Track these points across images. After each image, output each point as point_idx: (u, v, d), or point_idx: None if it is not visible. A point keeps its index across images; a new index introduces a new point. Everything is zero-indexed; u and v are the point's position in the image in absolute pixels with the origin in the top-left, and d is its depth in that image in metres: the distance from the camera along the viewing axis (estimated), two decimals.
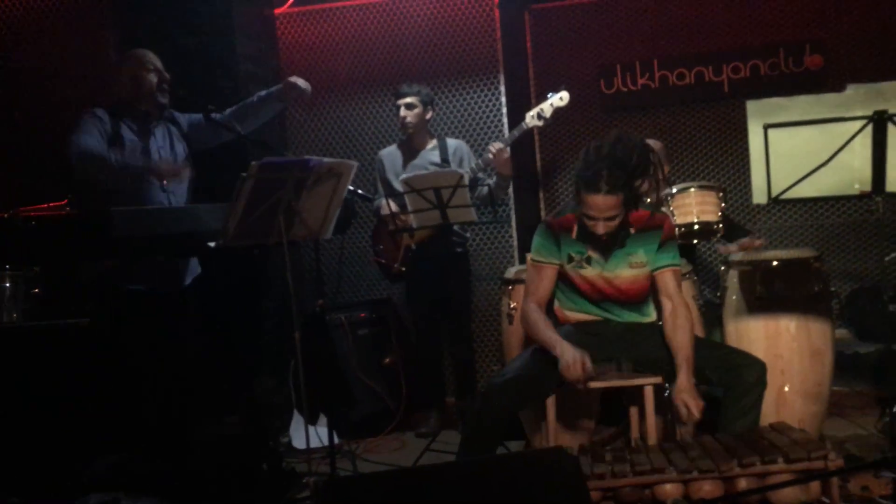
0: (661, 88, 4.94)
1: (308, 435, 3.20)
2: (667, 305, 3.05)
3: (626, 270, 3.07)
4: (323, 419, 4.12)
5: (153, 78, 3.62)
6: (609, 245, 3.03)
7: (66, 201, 3.45)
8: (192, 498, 2.92)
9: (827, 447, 2.57)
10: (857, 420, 3.83)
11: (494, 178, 4.21)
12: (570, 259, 3.09)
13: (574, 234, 3.06)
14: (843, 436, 3.62)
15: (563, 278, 3.17)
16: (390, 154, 4.47)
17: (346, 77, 5.17)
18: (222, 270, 3.50)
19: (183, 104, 3.85)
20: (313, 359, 3.32)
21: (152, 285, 3.35)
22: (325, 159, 3.12)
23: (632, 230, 3.05)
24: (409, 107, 4.31)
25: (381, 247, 4.41)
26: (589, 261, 3.07)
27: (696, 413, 2.80)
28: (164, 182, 3.48)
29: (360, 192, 3.73)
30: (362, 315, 4.65)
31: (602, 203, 2.84)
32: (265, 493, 3.25)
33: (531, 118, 4.11)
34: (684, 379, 2.86)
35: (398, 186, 4.07)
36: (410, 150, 4.43)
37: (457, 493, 2.15)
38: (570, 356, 2.85)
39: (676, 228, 3.50)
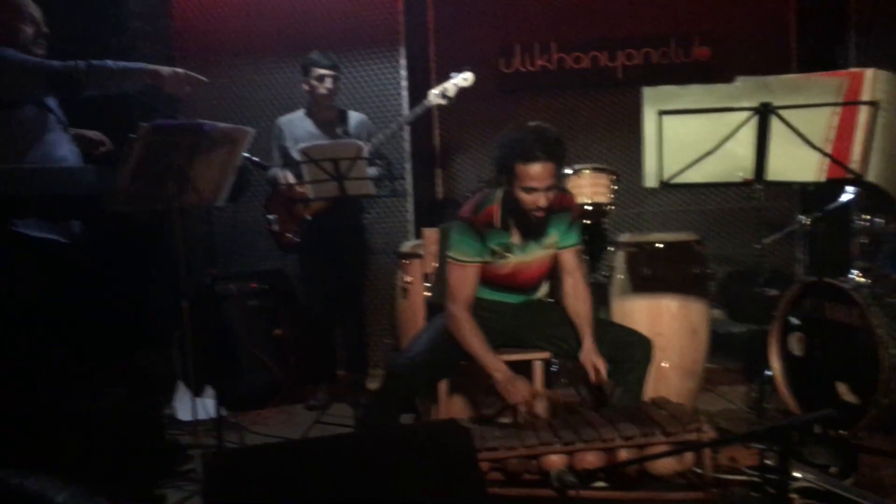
0: (558, 71, 5.04)
1: (194, 407, 3.13)
2: (568, 281, 3.15)
3: (539, 252, 3.12)
4: (209, 391, 4.03)
5: (29, 29, 3.39)
6: (535, 227, 3.03)
7: None
8: (77, 472, 2.79)
9: (700, 421, 2.71)
10: (727, 395, 4.06)
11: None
12: (493, 253, 3.07)
13: (498, 223, 3.03)
14: (714, 410, 3.84)
15: None
16: (290, 122, 4.33)
17: (241, 40, 5.01)
18: (107, 235, 3.34)
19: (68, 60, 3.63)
20: (201, 329, 3.24)
21: (42, 230, 3.15)
22: (221, 124, 3.02)
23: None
24: (335, 79, 4.23)
25: (276, 216, 4.31)
26: (510, 249, 3.07)
27: (603, 372, 2.95)
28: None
29: (255, 159, 3.64)
30: (253, 286, 4.56)
31: (542, 171, 2.85)
32: (149, 466, 3.16)
33: (434, 96, 4.10)
34: (589, 343, 3.01)
35: (296, 156, 3.99)
36: (323, 122, 4.29)
37: (348, 465, 2.14)
38: (515, 385, 2.88)
39: None
